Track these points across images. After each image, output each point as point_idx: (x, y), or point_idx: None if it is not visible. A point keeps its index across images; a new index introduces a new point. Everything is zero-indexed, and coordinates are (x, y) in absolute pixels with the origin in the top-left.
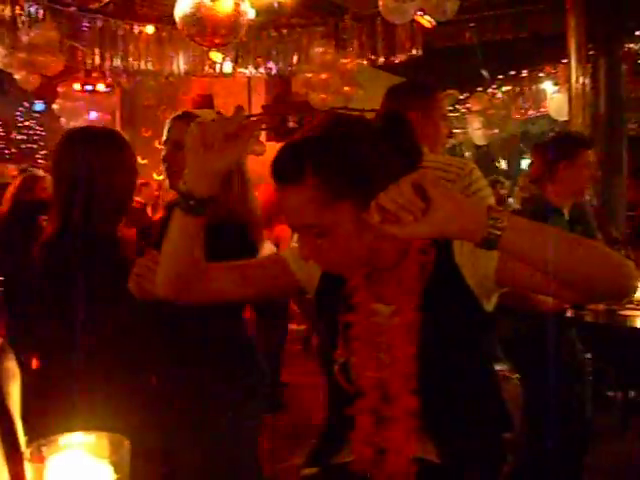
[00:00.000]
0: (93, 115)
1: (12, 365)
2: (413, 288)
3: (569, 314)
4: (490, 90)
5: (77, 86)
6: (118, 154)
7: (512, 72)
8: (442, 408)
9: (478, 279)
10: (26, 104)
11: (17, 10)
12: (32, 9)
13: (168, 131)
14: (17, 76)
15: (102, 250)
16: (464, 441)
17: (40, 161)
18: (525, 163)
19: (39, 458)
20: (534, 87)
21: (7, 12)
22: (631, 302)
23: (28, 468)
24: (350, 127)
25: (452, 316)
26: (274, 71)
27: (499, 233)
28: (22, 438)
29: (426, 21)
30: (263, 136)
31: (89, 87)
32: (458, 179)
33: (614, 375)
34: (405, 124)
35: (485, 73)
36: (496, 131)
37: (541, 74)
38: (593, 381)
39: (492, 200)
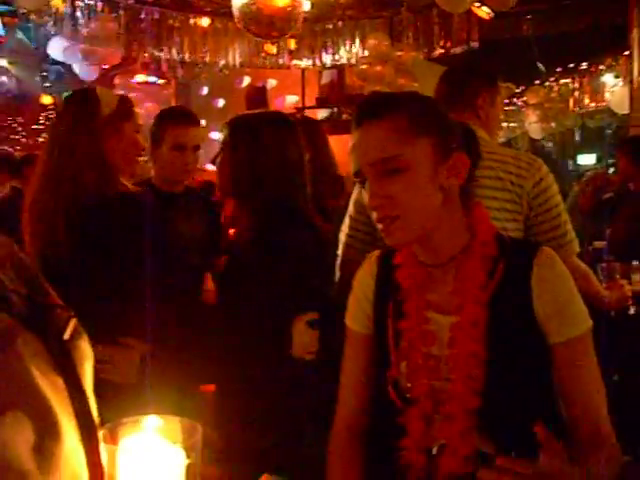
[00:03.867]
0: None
1: (85, 345)
2: (478, 298)
3: (632, 311)
4: (548, 83)
5: (134, 78)
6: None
7: (571, 65)
8: (504, 410)
9: (544, 319)
10: None
11: (76, 2)
12: (91, 1)
13: None
14: (76, 67)
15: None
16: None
17: None
18: (583, 158)
19: (113, 439)
20: (594, 80)
21: (67, 4)
22: None
23: (102, 449)
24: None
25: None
26: (329, 63)
27: None
28: (97, 419)
29: (484, 12)
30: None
31: (146, 78)
32: (529, 175)
33: None
34: (472, 135)
35: (541, 66)
36: (553, 125)
37: (601, 66)
38: None
39: (559, 198)
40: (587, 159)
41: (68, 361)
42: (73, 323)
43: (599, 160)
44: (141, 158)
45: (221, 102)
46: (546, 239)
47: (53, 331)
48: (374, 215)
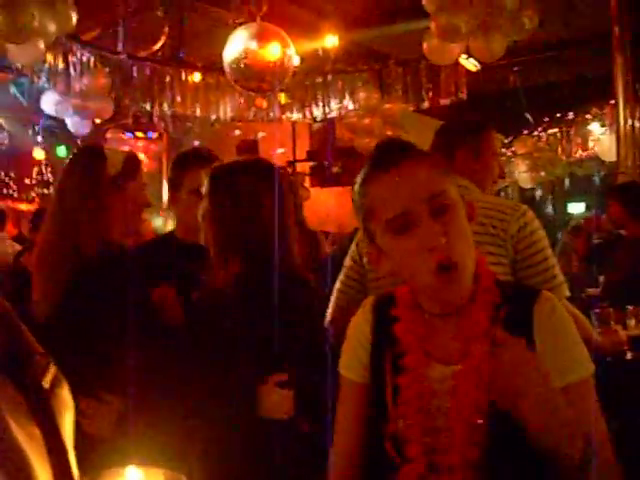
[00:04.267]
0: (143, 160)
1: (66, 394)
2: (482, 345)
3: (629, 356)
4: (536, 133)
5: (126, 132)
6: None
7: (558, 114)
8: (504, 461)
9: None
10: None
11: (69, 57)
12: (84, 57)
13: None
14: (69, 122)
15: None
16: None
17: None
18: (572, 206)
19: None
20: (581, 129)
21: (60, 60)
22: None
23: None
24: None
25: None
26: (319, 116)
27: None
28: (75, 471)
29: (471, 65)
30: (307, 182)
31: (137, 133)
32: (512, 220)
33: None
34: None
35: (529, 116)
36: (542, 174)
37: (588, 115)
38: None
39: (546, 243)
40: (577, 207)
41: (47, 411)
42: (53, 370)
43: (588, 208)
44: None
45: None
46: (534, 283)
47: (32, 379)
48: (428, 263)
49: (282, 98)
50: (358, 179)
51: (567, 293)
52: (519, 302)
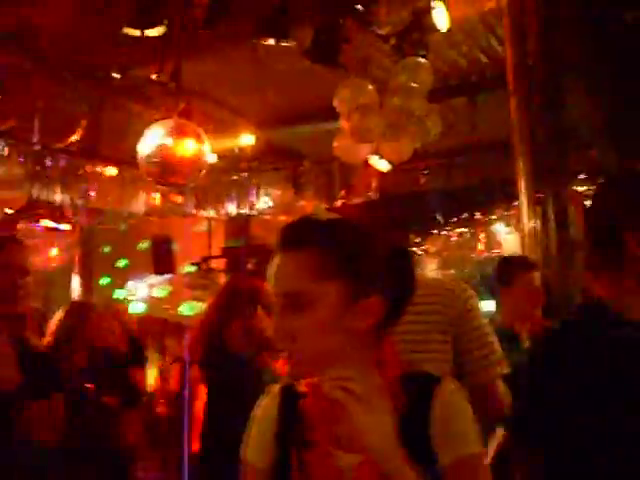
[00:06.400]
0: (54, 252)
1: None
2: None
3: None
4: (445, 232)
5: (38, 223)
6: None
7: (465, 215)
8: None
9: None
10: None
11: None
12: None
13: None
14: None
15: None
16: None
17: None
18: (483, 304)
19: None
20: (487, 229)
21: None
22: None
23: None
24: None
25: None
26: (234, 213)
27: None
28: None
29: (382, 165)
30: (222, 279)
31: (50, 224)
32: (454, 296)
33: None
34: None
35: (439, 217)
36: (452, 271)
37: (493, 216)
38: None
39: (486, 321)
40: (488, 305)
41: None
42: None
43: (499, 305)
44: None
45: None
46: (473, 359)
47: None
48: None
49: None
50: None
51: (505, 370)
52: (421, 391)
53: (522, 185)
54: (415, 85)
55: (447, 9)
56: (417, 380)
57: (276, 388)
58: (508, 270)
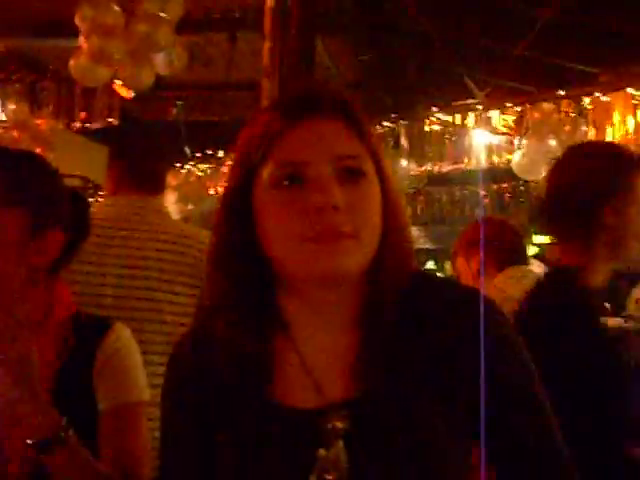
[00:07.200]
0: None
1: None
2: (44, 375)
3: None
4: (188, 167)
5: None
6: None
7: (209, 151)
8: None
9: None
10: None
11: None
12: None
13: None
14: None
15: None
16: None
17: None
18: None
19: None
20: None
21: None
22: None
23: None
24: None
25: None
26: None
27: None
28: None
29: (125, 91)
30: None
31: None
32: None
33: None
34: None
35: (187, 150)
36: (190, 207)
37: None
38: None
39: None
40: None
41: None
42: None
43: None
44: None
45: None
46: None
47: None
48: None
49: None
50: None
51: None
52: (89, 334)
53: None
54: (164, 15)
55: None
56: (88, 323)
57: None
58: None
